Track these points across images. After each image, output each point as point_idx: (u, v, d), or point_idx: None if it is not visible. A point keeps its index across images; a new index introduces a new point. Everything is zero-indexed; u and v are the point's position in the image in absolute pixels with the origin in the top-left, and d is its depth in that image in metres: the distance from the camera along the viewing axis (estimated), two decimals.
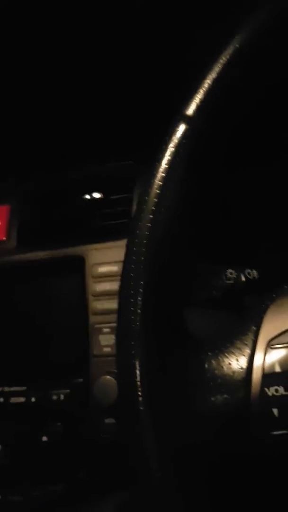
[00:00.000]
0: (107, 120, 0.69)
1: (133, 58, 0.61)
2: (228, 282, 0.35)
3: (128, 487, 0.53)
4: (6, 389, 0.64)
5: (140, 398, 0.29)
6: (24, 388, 0.64)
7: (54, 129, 0.71)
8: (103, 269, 0.64)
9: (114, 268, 0.63)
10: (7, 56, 0.60)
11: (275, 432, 0.25)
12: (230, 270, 0.36)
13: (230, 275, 0.36)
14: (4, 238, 0.70)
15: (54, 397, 0.63)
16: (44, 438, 0.62)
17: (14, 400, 0.64)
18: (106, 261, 0.64)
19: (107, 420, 0.61)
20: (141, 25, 0.57)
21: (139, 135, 0.56)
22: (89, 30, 0.58)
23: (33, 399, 0.64)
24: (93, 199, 0.69)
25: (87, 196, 0.69)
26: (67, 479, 0.62)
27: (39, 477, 0.63)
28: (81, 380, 0.63)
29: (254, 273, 0.36)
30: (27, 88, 0.66)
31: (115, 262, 0.63)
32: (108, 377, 0.61)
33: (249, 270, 0.36)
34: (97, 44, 0.60)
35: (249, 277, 0.36)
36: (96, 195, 0.69)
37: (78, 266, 0.66)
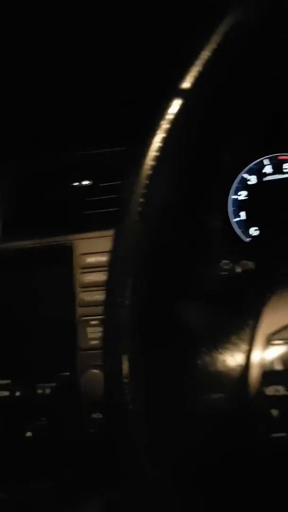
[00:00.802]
0: (97, 104, 0.66)
1: (126, 40, 0.59)
2: (223, 273, 0.33)
3: (115, 487, 0.52)
4: None
5: (128, 397, 0.27)
6: (8, 381, 0.62)
7: (42, 115, 0.68)
8: (91, 259, 0.63)
9: (103, 259, 0.61)
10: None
11: (274, 435, 0.24)
12: (225, 261, 0.34)
13: (225, 266, 0.34)
14: None
15: (40, 391, 0.62)
16: (29, 434, 0.60)
17: None
18: (94, 251, 0.62)
19: (94, 415, 0.59)
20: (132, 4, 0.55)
21: (131, 121, 0.54)
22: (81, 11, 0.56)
23: (17, 393, 0.62)
24: (81, 186, 0.67)
25: (76, 184, 0.67)
26: (53, 476, 0.61)
27: (24, 474, 0.61)
28: (67, 373, 0.62)
29: (250, 264, 0.34)
30: (18, 72, 0.63)
31: (104, 252, 0.61)
32: (95, 370, 0.59)
33: (244, 262, 0.34)
34: (88, 26, 0.58)
35: (245, 268, 0.34)
36: (85, 182, 0.67)
37: (65, 256, 0.64)
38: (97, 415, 0.59)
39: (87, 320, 0.61)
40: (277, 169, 0.69)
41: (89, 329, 0.61)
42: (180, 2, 0.53)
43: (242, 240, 0.69)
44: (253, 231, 0.69)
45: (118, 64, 0.63)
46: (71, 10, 0.54)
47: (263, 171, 0.70)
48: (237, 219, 0.70)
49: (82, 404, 0.60)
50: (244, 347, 0.25)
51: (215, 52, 0.25)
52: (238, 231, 0.69)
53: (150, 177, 0.27)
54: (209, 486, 0.27)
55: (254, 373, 0.24)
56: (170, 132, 0.26)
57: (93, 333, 0.61)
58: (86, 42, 0.60)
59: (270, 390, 0.24)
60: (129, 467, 0.28)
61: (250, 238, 0.70)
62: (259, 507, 0.27)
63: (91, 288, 0.62)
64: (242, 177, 0.70)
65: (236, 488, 0.26)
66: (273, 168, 0.69)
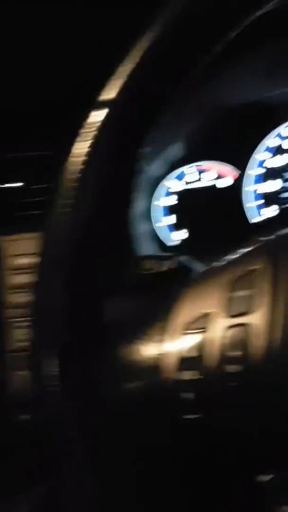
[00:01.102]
0: (29, 107, 0.67)
1: (56, 45, 0.59)
2: (145, 271, 0.35)
3: (44, 484, 0.52)
4: None
5: (56, 390, 0.28)
6: None
7: None
8: (19, 261, 0.63)
9: (32, 260, 0.61)
10: None
11: (187, 416, 0.26)
12: (148, 260, 0.36)
13: (147, 265, 0.36)
14: None
15: None
16: None
17: None
18: (23, 253, 0.62)
19: (22, 417, 0.59)
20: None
21: (62, 123, 0.55)
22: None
23: None
24: (11, 188, 0.67)
25: (5, 185, 0.67)
26: None
27: None
28: None
29: (171, 263, 0.36)
30: None
31: (32, 254, 0.61)
32: (22, 372, 0.59)
33: (168, 261, 0.37)
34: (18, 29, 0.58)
35: (167, 267, 0.36)
36: (15, 184, 0.67)
37: None
38: (24, 417, 0.59)
39: (15, 322, 0.61)
40: (197, 177, 0.74)
41: (16, 331, 0.61)
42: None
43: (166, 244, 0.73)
44: (183, 234, 0.73)
45: (48, 67, 0.63)
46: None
47: (184, 179, 0.74)
48: (161, 224, 0.74)
49: (9, 406, 0.60)
50: (160, 338, 0.27)
51: (138, 65, 0.27)
52: (161, 235, 0.73)
53: (76, 180, 0.28)
54: (136, 473, 0.29)
55: (169, 361, 0.26)
56: (96, 138, 0.28)
57: (21, 335, 0.61)
58: (21, 43, 0.60)
59: (184, 375, 0.26)
60: (60, 463, 0.29)
61: (174, 242, 0.74)
62: (179, 488, 0.29)
63: (19, 290, 0.62)
64: (165, 185, 0.74)
65: (155, 470, 0.28)
66: (193, 176, 0.74)
